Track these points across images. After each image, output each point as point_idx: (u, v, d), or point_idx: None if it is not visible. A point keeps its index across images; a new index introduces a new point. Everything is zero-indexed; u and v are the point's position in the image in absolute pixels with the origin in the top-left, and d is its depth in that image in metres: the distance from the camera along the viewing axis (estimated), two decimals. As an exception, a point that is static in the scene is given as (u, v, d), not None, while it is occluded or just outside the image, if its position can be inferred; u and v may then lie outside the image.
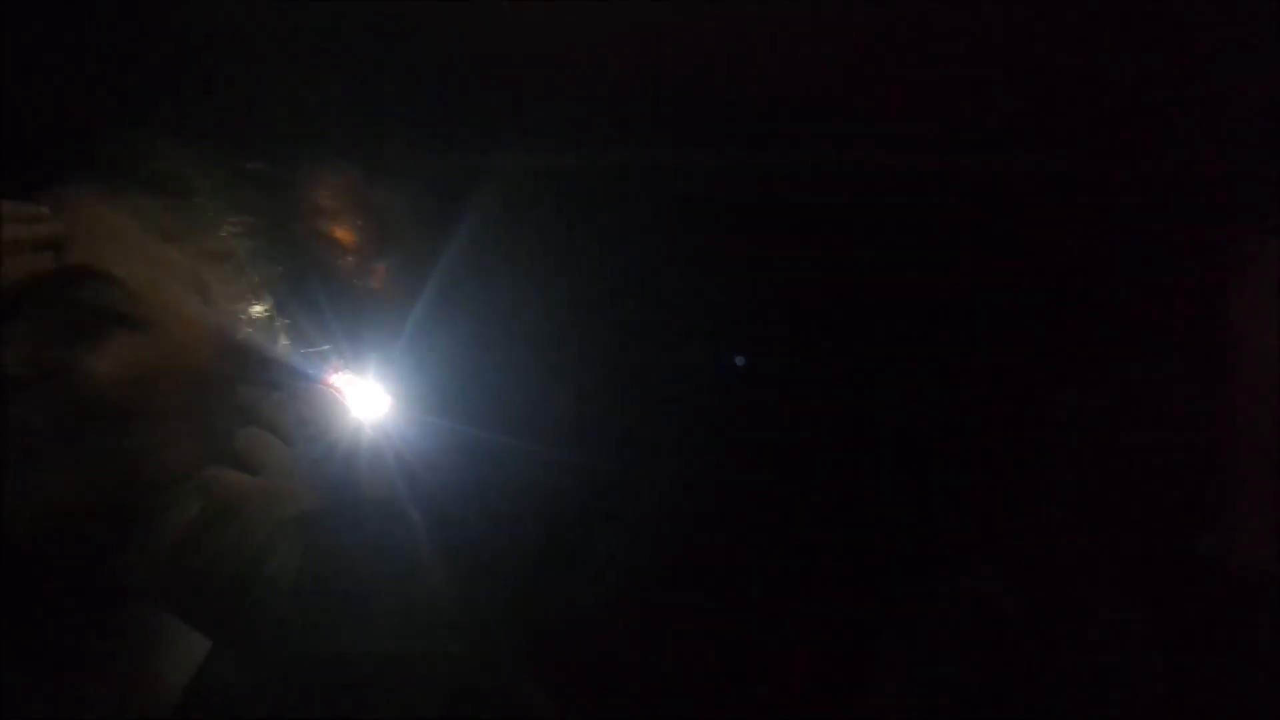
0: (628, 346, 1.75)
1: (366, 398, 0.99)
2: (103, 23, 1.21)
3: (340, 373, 0.97)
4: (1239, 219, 1.03)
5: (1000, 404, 1.61)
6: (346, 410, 0.95)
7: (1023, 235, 1.65)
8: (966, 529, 1.39)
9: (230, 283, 0.92)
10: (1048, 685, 1.03)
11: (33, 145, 0.93)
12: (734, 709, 1.65)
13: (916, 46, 1.45)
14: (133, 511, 0.84)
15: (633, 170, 1.67)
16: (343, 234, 0.99)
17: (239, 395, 0.89)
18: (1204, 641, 0.99)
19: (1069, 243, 1.59)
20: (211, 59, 1.27)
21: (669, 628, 1.70)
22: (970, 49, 1.43)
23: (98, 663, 0.84)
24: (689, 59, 1.52)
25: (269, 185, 0.96)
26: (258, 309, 0.93)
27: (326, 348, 0.98)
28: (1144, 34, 1.37)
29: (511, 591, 1.46)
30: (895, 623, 1.09)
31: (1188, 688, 0.98)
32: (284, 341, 0.95)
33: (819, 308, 1.78)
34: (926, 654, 1.07)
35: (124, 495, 0.84)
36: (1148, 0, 1.30)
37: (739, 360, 1.77)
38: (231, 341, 0.90)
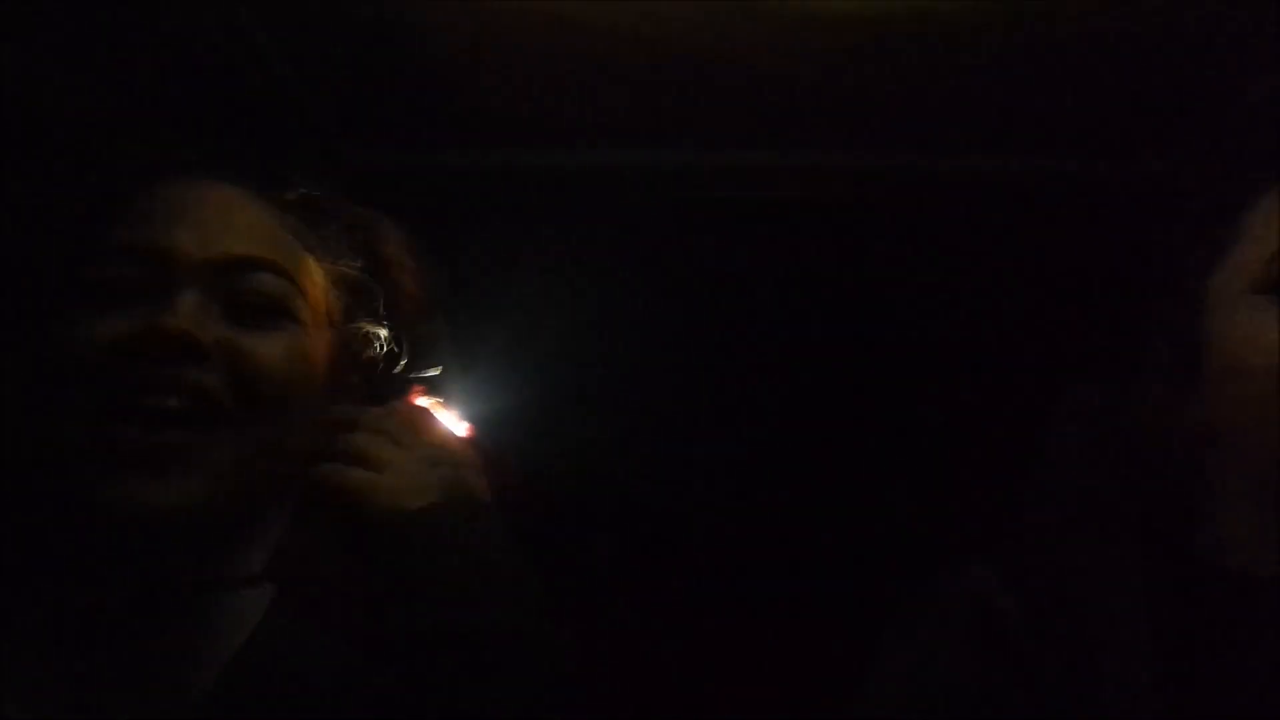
0: (640, 348, 1.76)
1: (452, 416, 1.09)
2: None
3: (427, 395, 1.06)
4: (1239, 218, 1.03)
5: (999, 404, 1.61)
6: (444, 424, 1.03)
7: (1021, 235, 1.65)
8: (966, 529, 1.39)
9: (349, 304, 0.98)
10: (1048, 685, 1.03)
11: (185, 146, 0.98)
12: (734, 708, 1.65)
13: (916, 47, 1.45)
14: (256, 502, 0.88)
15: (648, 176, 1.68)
16: (410, 285, 1.06)
17: (350, 405, 0.96)
18: (1204, 641, 0.99)
19: (1068, 242, 1.59)
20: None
21: (668, 628, 1.70)
22: (969, 49, 1.43)
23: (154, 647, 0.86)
24: (693, 60, 1.52)
25: (370, 227, 1.03)
26: (370, 330, 1.00)
27: (424, 372, 1.07)
28: (1144, 34, 1.37)
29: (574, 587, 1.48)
30: (895, 623, 1.08)
31: (1188, 688, 0.98)
32: (390, 363, 1.03)
33: (820, 308, 1.77)
34: (926, 654, 1.07)
35: (260, 483, 0.87)
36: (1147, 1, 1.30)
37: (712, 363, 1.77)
38: (351, 354, 0.96)
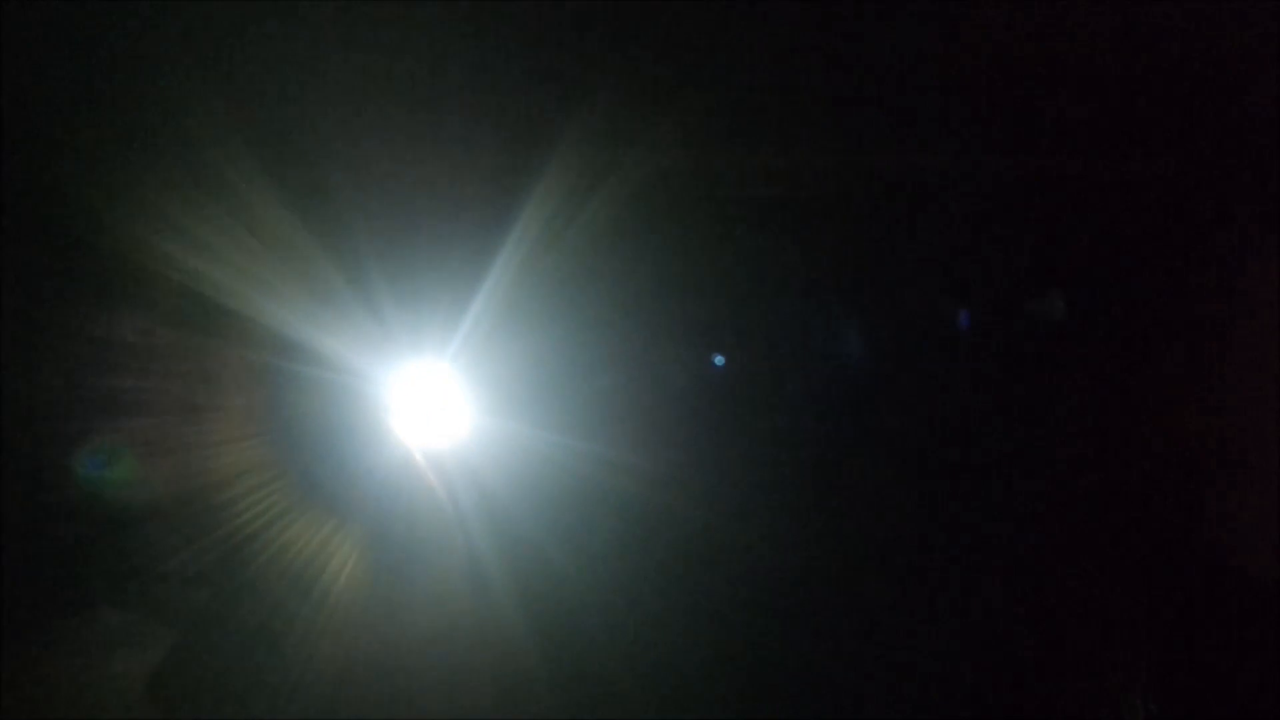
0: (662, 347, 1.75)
1: (429, 408, 1.08)
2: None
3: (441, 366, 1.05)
4: (1241, 221, 1.03)
5: (1001, 403, 1.61)
6: (398, 424, 1.02)
7: (1025, 236, 1.65)
8: (967, 530, 1.40)
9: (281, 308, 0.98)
10: (1047, 685, 1.03)
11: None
12: (734, 707, 1.65)
13: (918, 48, 1.45)
14: (200, 503, 0.89)
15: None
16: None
17: (295, 404, 0.96)
18: (1204, 642, 1.00)
19: (1072, 243, 1.58)
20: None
21: (667, 628, 1.70)
22: (972, 52, 1.43)
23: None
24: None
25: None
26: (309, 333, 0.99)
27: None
28: (1146, 36, 1.37)
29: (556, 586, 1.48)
30: (896, 623, 1.09)
31: (1188, 687, 0.98)
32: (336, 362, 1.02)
33: (819, 307, 1.77)
34: (927, 654, 1.08)
35: (199, 484, 0.88)
36: (1151, 3, 1.30)
37: (718, 360, 1.77)
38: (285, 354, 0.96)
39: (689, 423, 1.69)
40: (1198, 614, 1.03)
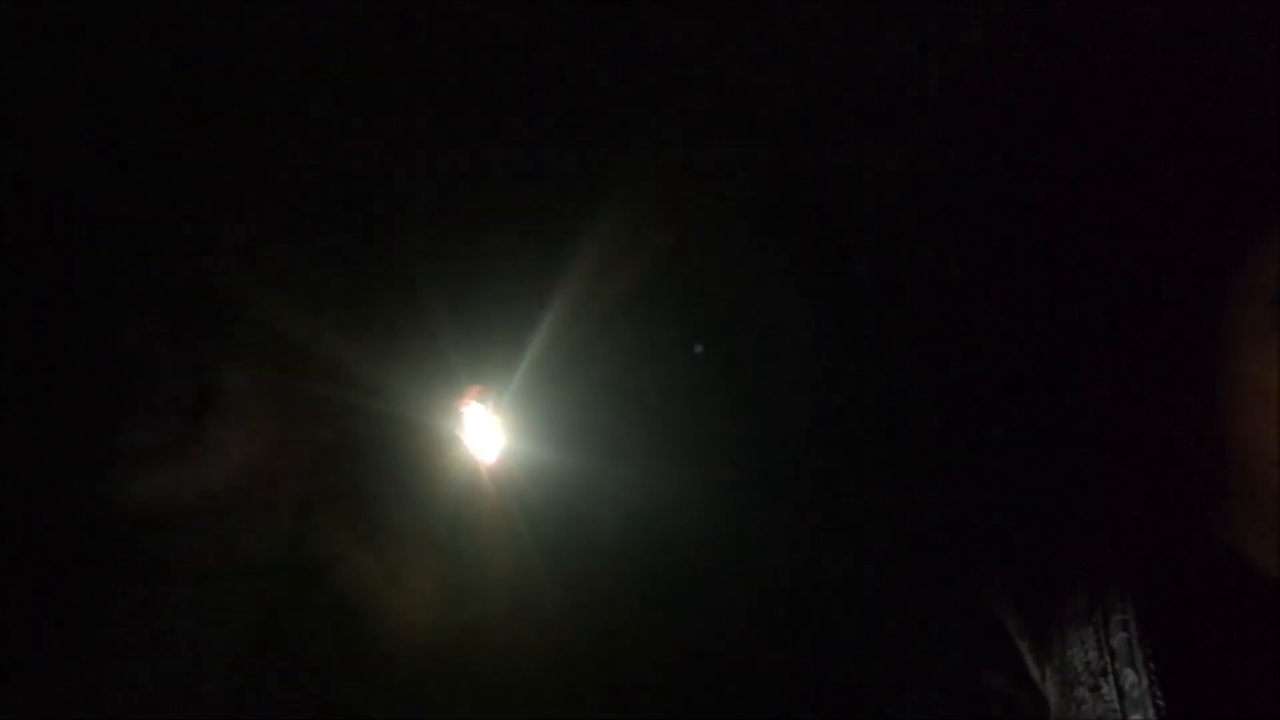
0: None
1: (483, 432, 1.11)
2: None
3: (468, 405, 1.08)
4: (1243, 221, 1.03)
5: (1003, 404, 1.61)
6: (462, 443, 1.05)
7: (1025, 236, 1.65)
8: (969, 531, 1.40)
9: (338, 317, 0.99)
10: (1045, 684, 1.04)
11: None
12: (737, 707, 1.66)
13: (914, 46, 1.45)
14: (279, 525, 0.90)
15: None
16: None
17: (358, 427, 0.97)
18: (1204, 642, 1.00)
19: (1072, 243, 1.59)
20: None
21: (668, 628, 1.70)
22: (971, 49, 1.44)
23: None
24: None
25: None
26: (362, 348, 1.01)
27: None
28: (1147, 35, 1.37)
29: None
30: (899, 625, 1.09)
31: (1189, 688, 0.98)
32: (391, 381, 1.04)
33: (815, 306, 1.77)
34: (929, 656, 1.08)
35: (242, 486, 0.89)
36: (1149, 2, 1.30)
37: (698, 349, 1.76)
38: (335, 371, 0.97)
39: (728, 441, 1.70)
40: (1198, 613, 1.03)
